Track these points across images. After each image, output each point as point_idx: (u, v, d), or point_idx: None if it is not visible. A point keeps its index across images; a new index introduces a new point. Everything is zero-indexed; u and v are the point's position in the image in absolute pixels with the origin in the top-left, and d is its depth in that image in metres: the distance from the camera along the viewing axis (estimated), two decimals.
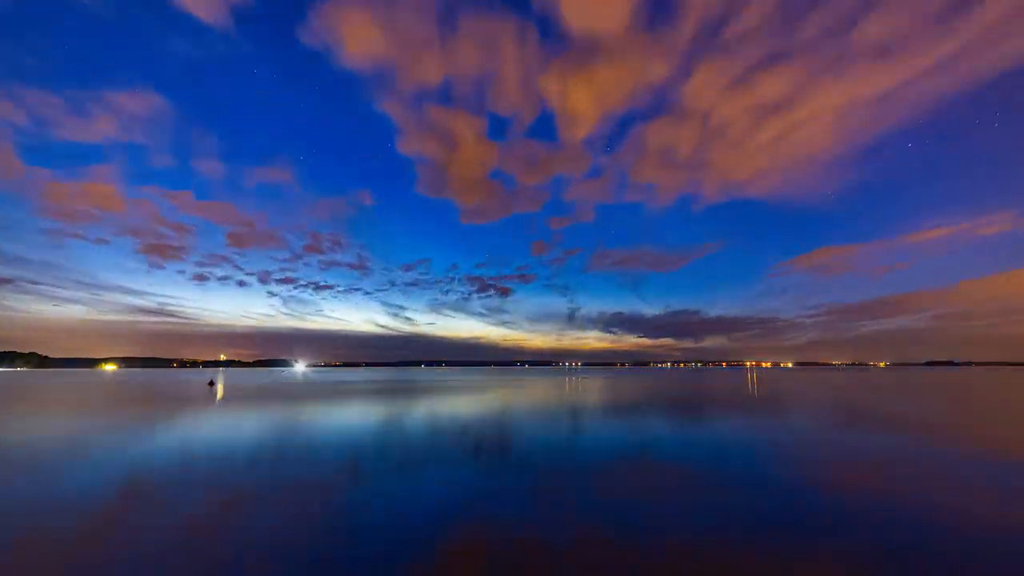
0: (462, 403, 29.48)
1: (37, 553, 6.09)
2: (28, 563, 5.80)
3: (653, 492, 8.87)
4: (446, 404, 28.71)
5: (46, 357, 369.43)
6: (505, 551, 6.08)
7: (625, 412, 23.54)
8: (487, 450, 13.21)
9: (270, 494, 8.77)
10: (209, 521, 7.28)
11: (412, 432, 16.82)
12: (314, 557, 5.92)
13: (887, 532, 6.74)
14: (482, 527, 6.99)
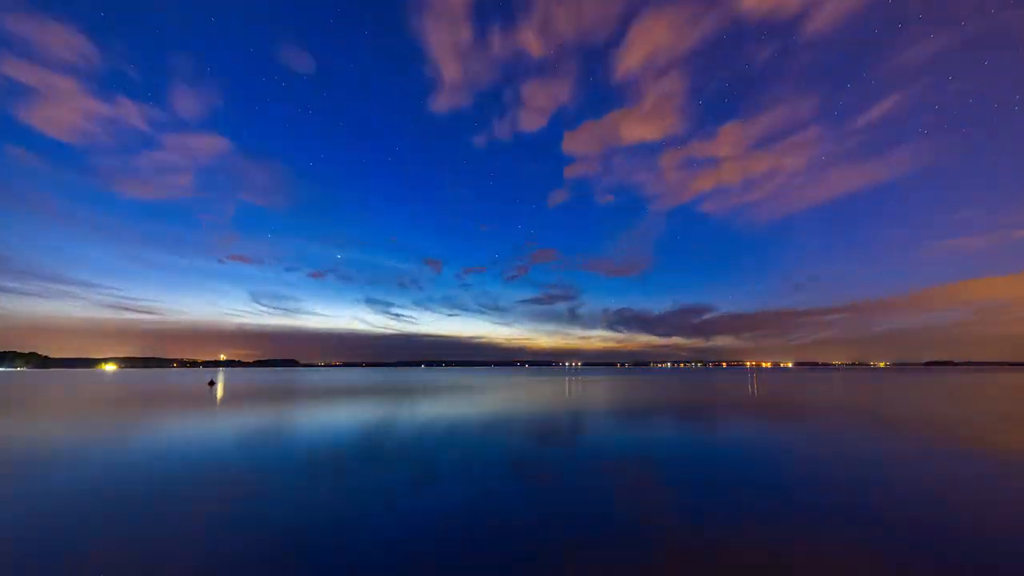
0: (431, 406, 29.49)
1: (37, 553, 6.10)
2: (28, 563, 5.81)
3: (639, 492, 8.87)
4: (428, 406, 28.76)
5: (46, 357, 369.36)
6: (504, 551, 6.10)
7: (585, 417, 23.52)
8: (451, 451, 13.23)
9: (269, 494, 8.78)
10: (208, 521, 7.29)
11: (406, 432, 16.82)
12: (314, 558, 5.92)
13: (887, 532, 6.74)
14: (482, 526, 7.00)
